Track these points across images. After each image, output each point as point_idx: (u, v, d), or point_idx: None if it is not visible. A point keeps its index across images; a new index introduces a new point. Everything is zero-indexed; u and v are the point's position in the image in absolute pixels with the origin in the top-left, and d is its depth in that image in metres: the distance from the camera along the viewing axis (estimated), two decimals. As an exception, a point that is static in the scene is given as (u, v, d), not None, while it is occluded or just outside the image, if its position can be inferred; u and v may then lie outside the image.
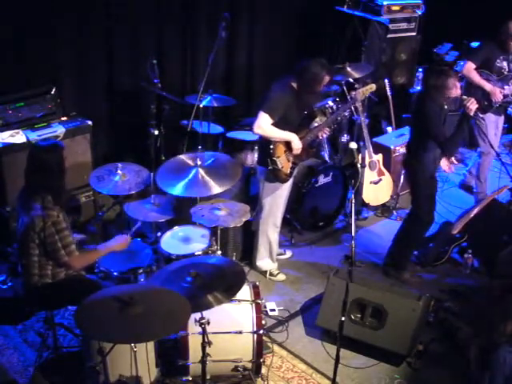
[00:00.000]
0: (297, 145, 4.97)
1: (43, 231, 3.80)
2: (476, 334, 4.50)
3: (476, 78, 6.05)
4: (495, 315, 4.33)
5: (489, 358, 3.95)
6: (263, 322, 4.14)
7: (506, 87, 6.08)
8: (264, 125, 4.83)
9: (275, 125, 4.85)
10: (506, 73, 6.09)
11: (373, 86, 5.50)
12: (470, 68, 6.03)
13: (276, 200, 5.14)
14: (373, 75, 6.67)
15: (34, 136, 5.21)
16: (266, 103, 4.85)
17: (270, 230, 5.26)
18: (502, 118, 6.35)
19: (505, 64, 6.08)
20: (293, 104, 4.87)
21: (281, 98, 4.83)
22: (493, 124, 6.26)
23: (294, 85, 4.88)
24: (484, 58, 6.07)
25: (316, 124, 5.20)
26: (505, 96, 6.09)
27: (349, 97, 6.15)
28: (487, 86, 6.03)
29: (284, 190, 5.13)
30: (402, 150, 6.41)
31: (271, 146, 4.93)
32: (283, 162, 4.98)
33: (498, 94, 6.02)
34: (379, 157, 6.27)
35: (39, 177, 3.85)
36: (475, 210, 5.61)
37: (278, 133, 4.89)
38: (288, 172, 5.04)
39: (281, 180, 5.04)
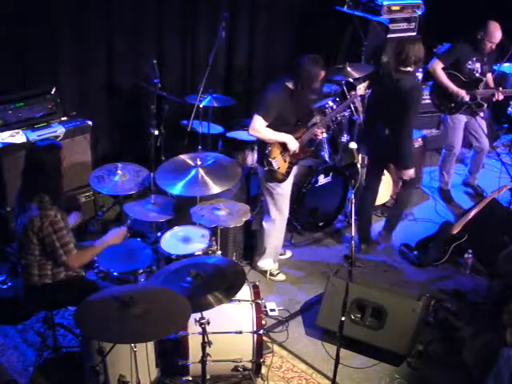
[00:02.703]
0: (293, 146, 4.97)
1: (41, 231, 3.80)
2: (477, 334, 4.50)
3: (442, 77, 6.06)
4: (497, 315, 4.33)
5: (492, 358, 3.95)
6: (263, 322, 4.13)
7: (478, 91, 6.07)
8: (259, 127, 4.83)
9: (272, 125, 4.86)
10: (477, 75, 6.06)
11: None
12: (436, 66, 6.03)
13: (278, 199, 5.14)
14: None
15: (34, 136, 5.21)
16: (260, 105, 4.86)
17: (275, 230, 5.26)
18: (476, 119, 6.23)
19: (477, 66, 6.05)
20: (288, 104, 4.86)
21: (275, 99, 4.83)
22: (462, 124, 6.26)
23: (289, 84, 4.87)
24: (455, 59, 6.05)
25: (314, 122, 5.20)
26: (472, 98, 6.06)
27: (348, 95, 6.14)
28: (451, 88, 6.02)
29: (284, 188, 5.12)
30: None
31: (267, 148, 4.93)
32: (279, 163, 4.98)
33: (462, 95, 5.99)
34: (379, 157, 6.25)
35: (37, 177, 3.84)
36: (475, 210, 5.62)
37: (273, 135, 4.89)
38: (285, 172, 5.04)
39: (278, 180, 5.04)
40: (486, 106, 6.23)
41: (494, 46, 5.96)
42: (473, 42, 5.99)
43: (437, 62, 6.06)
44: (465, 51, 6.05)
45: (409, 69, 5.11)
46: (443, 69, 6.06)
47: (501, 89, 6.18)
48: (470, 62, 6.03)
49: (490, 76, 6.27)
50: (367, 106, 5.58)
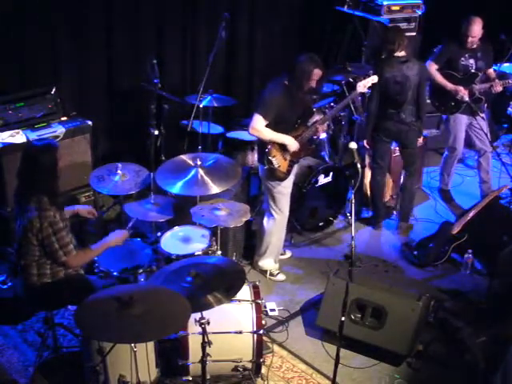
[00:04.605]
0: (292, 147, 4.98)
1: (40, 232, 3.78)
2: (480, 334, 4.50)
3: (437, 77, 6.10)
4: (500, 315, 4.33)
5: (498, 356, 3.95)
6: (263, 321, 4.13)
7: (475, 86, 6.06)
8: (258, 126, 4.84)
9: (272, 124, 4.86)
10: (472, 71, 6.06)
11: (374, 78, 5.41)
12: (430, 68, 6.06)
13: (279, 198, 5.14)
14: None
15: (34, 136, 5.20)
16: (260, 104, 4.87)
17: (276, 229, 5.25)
18: (479, 120, 6.17)
19: (471, 62, 6.05)
20: (287, 103, 4.86)
21: (273, 98, 4.83)
22: (463, 126, 6.26)
23: (287, 83, 4.88)
24: (446, 59, 6.08)
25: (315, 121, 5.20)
26: (472, 94, 6.06)
27: (348, 94, 6.12)
28: (448, 86, 6.04)
29: (285, 187, 5.12)
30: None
31: (267, 146, 4.94)
32: (279, 161, 4.99)
33: (461, 92, 6.00)
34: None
35: (34, 177, 3.82)
36: (474, 210, 5.62)
37: (272, 135, 4.90)
38: (285, 170, 5.04)
39: (279, 178, 5.04)
40: (485, 100, 6.21)
41: (476, 40, 5.95)
42: (459, 40, 6.02)
43: (430, 64, 6.10)
44: (454, 49, 6.08)
45: (403, 53, 5.51)
46: (439, 70, 6.08)
47: (497, 80, 6.17)
48: (462, 59, 6.04)
49: (491, 71, 6.26)
50: (384, 94, 5.59)
